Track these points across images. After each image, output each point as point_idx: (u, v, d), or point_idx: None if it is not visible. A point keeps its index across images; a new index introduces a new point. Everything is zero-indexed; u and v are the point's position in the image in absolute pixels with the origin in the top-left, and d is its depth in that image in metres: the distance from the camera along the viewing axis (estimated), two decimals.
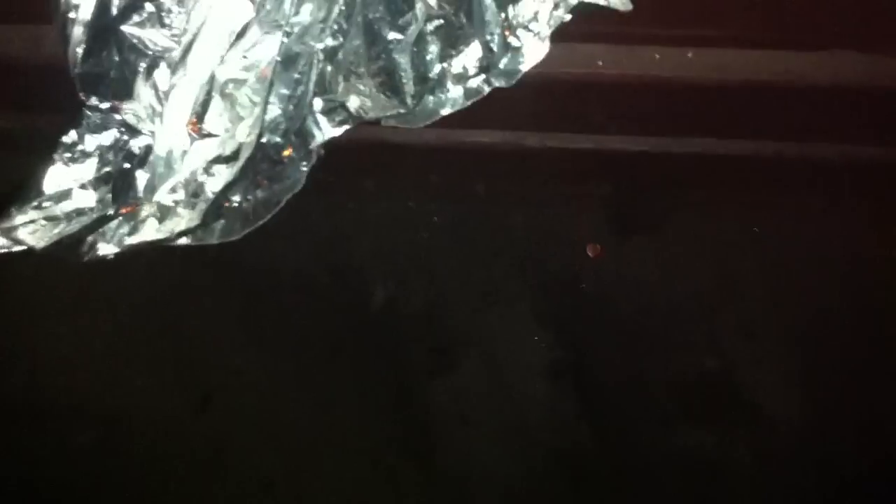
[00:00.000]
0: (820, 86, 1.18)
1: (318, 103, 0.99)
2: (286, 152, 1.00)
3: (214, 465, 1.32)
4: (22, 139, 1.23)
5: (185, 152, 1.01)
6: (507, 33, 0.99)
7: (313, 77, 0.96)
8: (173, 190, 1.03)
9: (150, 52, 0.98)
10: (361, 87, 0.98)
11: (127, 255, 1.07)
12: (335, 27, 0.95)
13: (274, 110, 0.96)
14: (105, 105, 0.98)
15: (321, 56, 0.96)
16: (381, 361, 1.38)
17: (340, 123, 1.00)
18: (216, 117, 1.01)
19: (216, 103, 1.00)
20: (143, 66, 0.98)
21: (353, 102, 0.98)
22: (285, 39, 0.95)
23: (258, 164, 0.98)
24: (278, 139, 0.98)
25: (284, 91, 0.96)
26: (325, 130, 1.00)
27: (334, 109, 0.99)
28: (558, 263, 1.43)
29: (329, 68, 0.97)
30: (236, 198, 1.01)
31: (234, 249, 1.11)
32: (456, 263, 1.42)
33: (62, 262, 1.06)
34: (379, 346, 1.38)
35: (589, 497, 1.34)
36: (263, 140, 0.97)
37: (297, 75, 0.96)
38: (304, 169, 1.00)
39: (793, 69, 1.17)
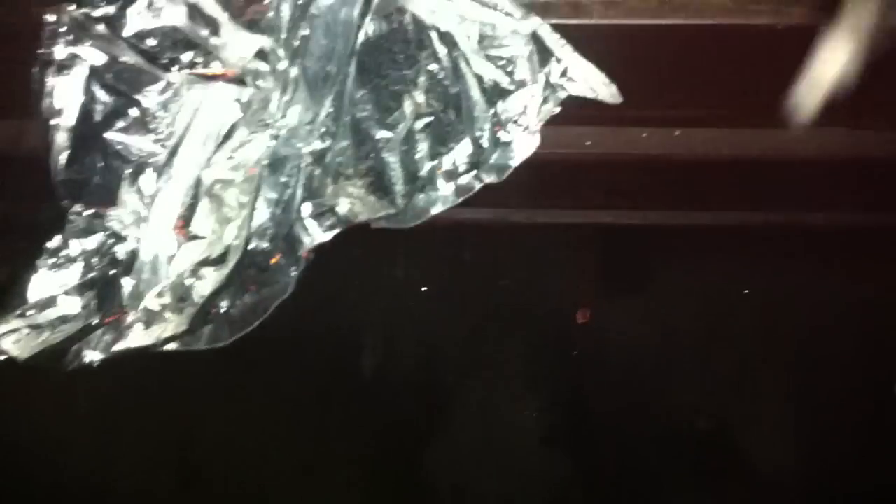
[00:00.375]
0: (806, 159, 1.18)
1: (306, 208, 0.97)
2: (273, 260, 0.98)
3: None
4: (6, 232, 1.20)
5: (171, 257, 0.99)
6: (496, 129, 0.98)
7: (301, 181, 0.94)
8: (160, 294, 1.01)
9: (135, 158, 0.96)
10: (350, 189, 0.96)
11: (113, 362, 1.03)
12: (323, 129, 0.94)
13: (261, 215, 0.95)
14: (89, 212, 0.96)
15: (309, 159, 0.94)
16: (370, 428, 1.37)
17: (330, 228, 0.98)
18: (203, 219, 0.99)
19: (203, 205, 0.99)
20: (127, 171, 0.96)
21: (343, 205, 0.96)
22: (273, 143, 0.93)
23: (245, 269, 0.96)
24: (266, 245, 0.97)
25: (272, 195, 0.94)
26: (315, 235, 0.98)
27: (323, 214, 0.97)
28: (548, 328, 1.44)
29: (317, 171, 0.95)
30: (224, 303, 0.99)
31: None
32: (445, 329, 1.42)
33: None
34: (368, 412, 1.37)
35: None
36: (251, 246, 0.95)
37: (284, 178, 0.94)
38: (293, 274, 0.98)
39: (779, 145, 1.17)
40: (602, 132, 1.15)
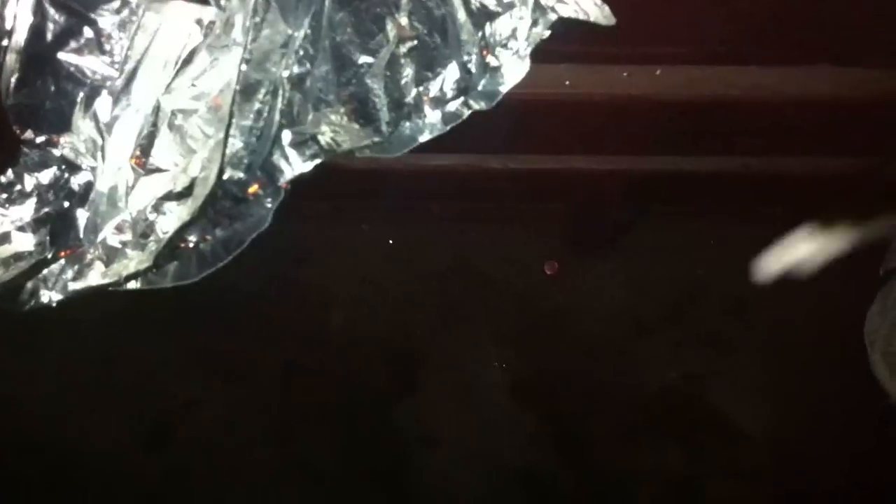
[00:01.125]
0: (788, 99, 1.14)
1: (286, 136, 0.90)
2: (252, 189, 0.91)
3: (172, 499, 1.27)
4: None
5: (129, 189, 0.92)
6: (484, 53, 0.91)
7: (278, 107, 0.87)
8: (120, 230, 0.94)
9: (89, 81, 0.88)
10: (332, 117, 0.89)
11: (74, 302, 0.97)
12: (301, 52, 0.87)
13: (235, 143, 0.87)
14: (41, 138, 0.88)
15: (287, 85, 0.87)
16: (340, 385, 1.35)
17: (312, 157, 0.91)
18: (164, 151, 0.92)
19: (164, 136, 0.91)
20: (81, 95, 0.88)
21: (325, 134, 0.90)
22: (244, 67, 0.85)
23: (219, 201, 0.89)
24: (241, 175, 0.90)
25: (245, 123, 0.87)
26: (295, 165, 0.91)
27: (304, 142, 0.90)
28: (516, 282, 1.41)
29: (297, 97, 0.88)
30: (193, 237, 0.92)
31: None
32: (412, 285, 1.38)
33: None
34: (337, 369, 1.35)
35: None
36: (225, 176, 0.88)
37: (258, 105, 0.87)
38: (270, 206, 0.91)
39: (761, 84, 1.12)
40: (581, 71, 1.08)
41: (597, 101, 1.13)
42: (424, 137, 0.93)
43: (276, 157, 0.90)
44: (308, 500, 1.29)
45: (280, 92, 0.86)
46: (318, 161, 0.90)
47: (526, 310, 1.38)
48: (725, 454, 1.32)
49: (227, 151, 0.87)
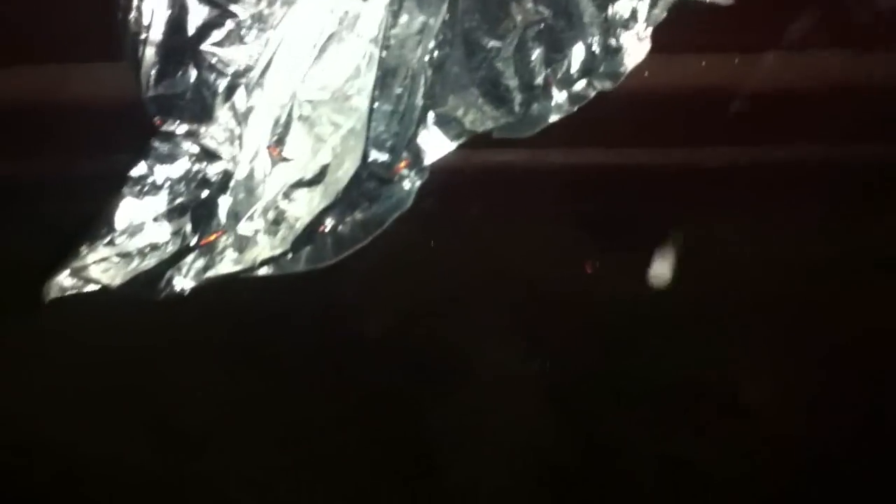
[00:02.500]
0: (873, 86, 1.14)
1: (431, 116, 0.93)
2: (401, 165, 0.94)
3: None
4: (83, 184, 1.14)
5: (266, 176, 0.94)
6: (607, 35, 0.94)
7: (420, 90, 0.90)
8: (250, 218, 0.96)
9: (230, 72, 0.90)
10: (470, 99, 0.92)
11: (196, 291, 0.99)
12: (440, 37, 0.90)
13: (377, 128, 0.90)
14: (182, 129, 0.91)
15: (429, 69, 0.90)
16: (366, 388, 1.33)
17: (456, 137, 0.94)
18: (295, 140, 0.95)
19: (295, 126, 0.94)
20: (223, 86, 0.91)
21: (465, 115, 0.92)
22: (384, 53, 0.88)
23: (363, 183, 0.92)
24: (386, 157, 0.92)
25: (387, 107, 0.90)
26: (441, 145, 0.94)
27: (448, 123, 0.93)
28: (547, 281, 1.37)
29: (438, 80, 0.91)
30: (330, 221, 0.95)
31: (211, 286, 1.05)
32: (441, 289, 1.37)
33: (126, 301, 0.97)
34: (364, 372, 1.33)
35: None
36: (369, 159, 0.91)
37: (398, 90, 0.90)
38: (415, 185, 0.94)
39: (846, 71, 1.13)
40: (660, 60, 1.09)
41: (673, 91, 1.13)
42: (554, 118, 0.96)
43: (422, 138, 0.93)
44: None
45: (422, 76, 0.89)
46: (462, 140, 0.93)
47: (557, 309, 1.36)
48: (749, 447, 1.32)
49: (371, 135, 0.90)
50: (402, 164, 0.93)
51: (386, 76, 0.89)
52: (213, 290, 1.17)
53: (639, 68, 1.04)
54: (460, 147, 1.02)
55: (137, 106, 0.96)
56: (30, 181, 1.21)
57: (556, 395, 1.37)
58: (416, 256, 1.37)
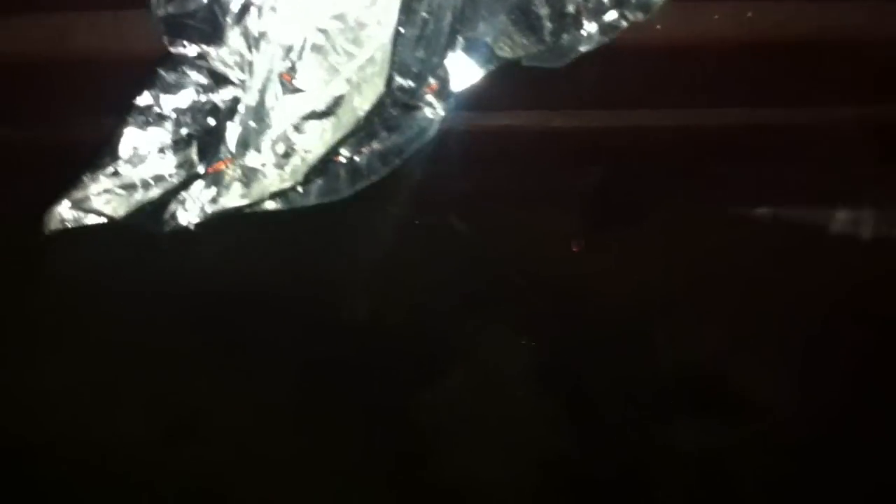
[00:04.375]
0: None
1: (460, 41, 0.89)
2: (429, 89, 0.89)
3: (195, 495, 1.26)
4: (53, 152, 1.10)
5: (276, 103, 0.90)
6: None
7: (448, 15, 0.86)
8: (258, 150, 0.92)
9: None
10: (500, 26, 0.88)
11: (205, 228, 0.95)
12: None
13: (402, 53, 0.86)
14: (192, 52, 0.86)
15: None
16: (361, 376, 1.32)
17: (485, 63, 0.90)
18: (307, 70, 0.91)
19: (307, 55, 0.90)
20: (235, 6, 0.87)
21: (494, 41, 0.89)
22: None
23: (387, 109, 0.88)
24: (411, 83, 0.88)
25: (412, 32, 0.86)
26: (469, 70, 0.90)
27: (478, 48, 0.89)
28: (539, 264, 1.36)
29: (468, 4, 0.87)
30: (345, 151, 0.91)
31: (202, 269, 1.07)
32: (434, 271, 1.36)
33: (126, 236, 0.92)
34: (358, 360, 1.32)
35: (584, 501, 1.30)
36: (394, 85, 0.87)
37: (424, 14, 0.86)
38: (439, 115, 0.90)
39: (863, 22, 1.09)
40: (672, 10, 1.05)
41: (685, 45, 1.08)
42: (584, 48, 0.92)
43: (450, 63, 0.89)
44: (329, 492, 1.27)
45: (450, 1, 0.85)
46: (490, 67, 0.90)
47: (550, 293, 1.35)
48: (746, 430, 1.30)
49: (396, 60, 0.86)
50: (429, 88, 0.89)
51: (411, 1, 0.85)
52: (215, 283, 1.15)
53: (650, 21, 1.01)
54: (461, 110, 0.98)
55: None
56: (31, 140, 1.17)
57: (553, 384, 1.35)
58: (410, 236, 1.35)
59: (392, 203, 1.32)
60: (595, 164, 1.35)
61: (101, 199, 0.92)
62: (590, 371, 1.33)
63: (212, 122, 0.92)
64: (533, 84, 0.99)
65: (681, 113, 1.23)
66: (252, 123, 0.91)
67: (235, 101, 0.91)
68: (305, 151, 0.95)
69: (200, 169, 0.89)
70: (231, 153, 0.90)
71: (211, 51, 0.89)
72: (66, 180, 0.93)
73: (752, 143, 1.28)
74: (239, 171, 0.95)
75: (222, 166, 0.90)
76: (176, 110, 0.92)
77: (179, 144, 0.93)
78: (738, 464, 1.30)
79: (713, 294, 1.35)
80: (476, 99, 0.98)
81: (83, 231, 0.94)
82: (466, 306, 1.35)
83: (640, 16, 0.90)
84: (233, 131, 0.90)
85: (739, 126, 1.25)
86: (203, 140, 0.91)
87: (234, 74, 0.90)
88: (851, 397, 1.30)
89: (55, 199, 0.94)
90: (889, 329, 1.24)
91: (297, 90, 0.92)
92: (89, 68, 1.05)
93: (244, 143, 0.91)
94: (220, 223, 0.98)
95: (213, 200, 0.96)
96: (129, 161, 0.92)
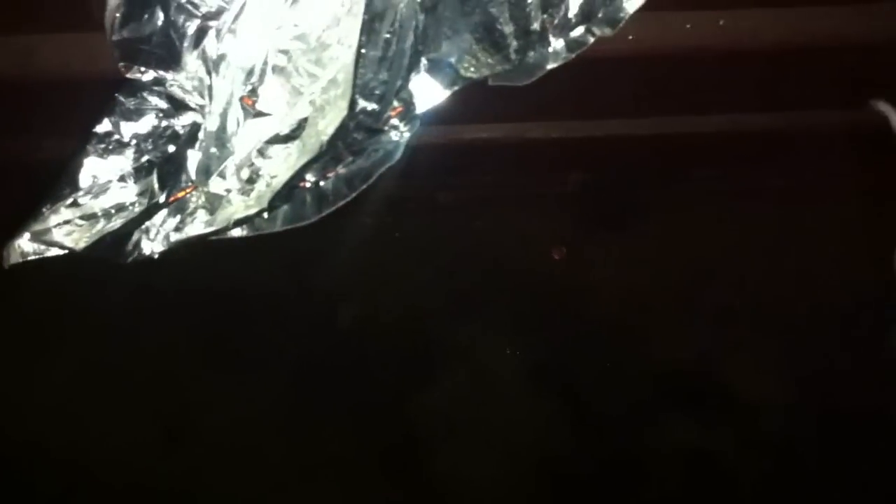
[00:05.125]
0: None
1: (423, 63, 0.86)
2: (393, 112, 0.87)
3: (187, 498, 1.25)
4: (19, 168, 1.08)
5: (239, 129, 0.88)
6: None
7: (410, 35, 0.83)
8: (223, 176, 0.90)
9: (201, 13, 0.83)
10: (464, 45, 0.86)
11: (168, 256, 0.93)
12: None
13: (365, 75, 0.83)
14: (148, 77, 0.84)
15: (420, 13, 0.84)
16: (354, 379, 1.33)
17: (450, 84, 0.88)
18: (270, 93, 0.89)
19: (269, 78, 0.87)
20: (191, 29, 0.84)
21: (458, 61, 0.86)
22: None
23: (350, 134, 0.85)
24: (375, 105, 0.86)
25: (374, 53, 0.83)
26: (434, 92, 0.88)
27: (441, 69, 0.87)
28: (528, 267, 1.38)
29: (431, 24, 0.85)
30: (311, 177, 0.88)
31: (197, 273, 1.07)
32: (423, 274, 1.37)
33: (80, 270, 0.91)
34: (353, 363, 1.33)
35: (578, 500, 1.30)
36: (357, 108, 0.84)
37: (386, 35, 0.83)
38: (404, 137, 0.88)
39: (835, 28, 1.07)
40: (645, 21, 1.04)
41: (659, 55, 1.06)
42: (551, 65, 0.90)
43: (414, 85, 0.87)
44: (325, 494, 1.27)
45: (413, 20, 0.83)
46: (455, 88, 0.87)
47: (539, 294, 1.36)
48: (735, 425, 1.31)
49: (358, 83, 0.84)
50: (393, 112, 0.87)
51: (373, 20, 0.83)
52: (209, 290, 1.14)
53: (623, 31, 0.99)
54: (439, 124, 0.96)
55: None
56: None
57: (544, 383, 1.35)
58: (399, 242, 1.34)
59: (380, 210, 1.31)
60: (576, 171, 1.34)
61: (62, 231, 0.89)
62: (580, 370, 1.33)
63: (172, 148, 0.89)
64: (510, 96, 0.97)
65: (656, 121, 1.21)
66: (213, 150, 0.89)
67: (196, 126, 0.89)
68: (271, 177, 0.93)
69: (162, 198, 0.86)
70: (192, 181, 0.87)
71: (168, 76, 0.86)
72: (31, 198, 0.90)
73: (728, 149, 1.26)
74: (203, 199, 0.93)
75: (183, 195, 0.88)
76: (136, 136, 0.89)
77: (140, 172, 0.90)
78: (728, 459, 1.30)
79: (698, 294, 1.35)
80: (458, 112, 0.96)
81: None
82: (457, 308, 1.35)
83: (607, 31, 0.88)
84: (193, 158, 0.88)
85: (716, 133, 1.23)
86: (163, 168, 0.88)
87: (193, 100, 0.88)
88: (841, 393, 1.30)
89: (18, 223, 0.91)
90: (877, 326, 1.23)
91: (260, 114, 0.90)
92: (55, 89, 1.03)
93: (205, 171, 0.88)
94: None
95: (178, 229, 0.93)
96: (89, 191, 0.89)
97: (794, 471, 1.30)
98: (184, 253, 0.93)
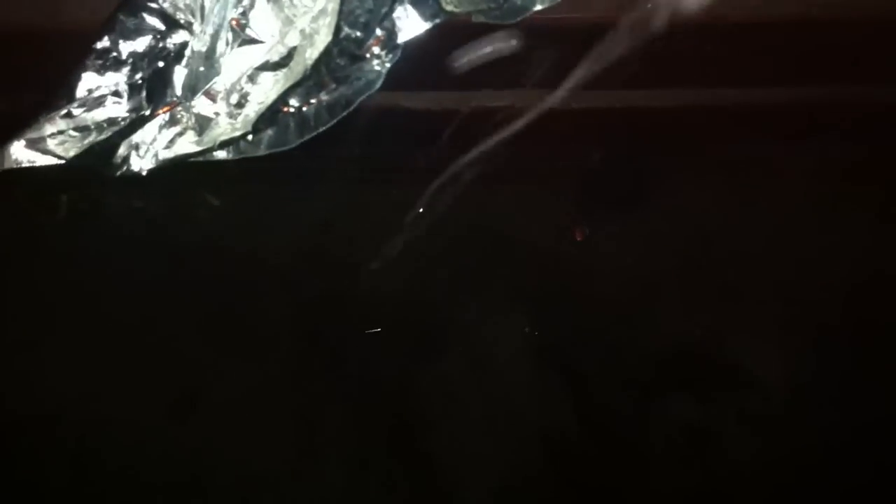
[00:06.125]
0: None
1: None
2: (372, 44, 0.89)
3: (197, 472, 1.22)
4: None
5: (227, 48, 0.91)
6: None
7: None
8: (213, 99, 0.93)
9: None
10: None
11: (157, 174, 0.96)
12: None
13: (351, 3, 0.86)
14: None
15: None
16: (362, 353, 1.31)
17: (431, 17, 0.89)
18: (261, 21, 0.91)
19: (261, 5, 0.90)
20: None
21: None
22: None
23: (334, 60, 0.88)
24: (359, 33, 0.88)
25: None
26: (415, 23, 0.89)
27: (424, 1, 0.88)
28: (536, 244, 1.34)
29: None
30: (295, 102, 0.90)
31: (209, 242, 1.07)
32: (434, 250, 1.36)
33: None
34: (359, 337, 1.31)
35: (580, 477, 1.26)
36: (341, 34, 0.86)
37: None
38: (385, 66, 0.89)
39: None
40: None
41: (675, 24, 1.05)
42: (538, 6, 0.90)
43: (397, 15, 0.88)
44: (330, 469, 1.26)
45: None
46: (437, 21, 0.88)
47: (546, 272, 1.33)
48: (742, 406, 1.26)
49: (344, 9, 0.86)
50: (375, 40, 0.89)
51: None
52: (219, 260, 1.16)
53: None
54: (449, 90, 0.99)
55: None
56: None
57: (547, 360, 1.33)
58: (403, 217, 1.34)
59: (394, 180, 1.33)
60: (590, 144, 1.34)
61: (55, 141, 0.93)
62: (583, 347, 1.31)
63: (162, 64, 0.93)
64: (532, 63, 0.97)
65: (672, 93, 1.20)
66: (201, 68, 0.92)
67: (185, 44, 0.92)
68: (259, 102, 0.95)
69: (147, 112, 0.90)
70: (178, 97, 0.90)
71: None
72: None
73: (745, 123, 1.24)
74: (193, 119, 0.96)
75: (167, 110, 0.91)
76: (133, 55, 0.93)
77: (135, 89, 0.94)
78: (730, 438, 1.25)
79: (704, 273, 1.33)
80: (476, 77, 0.97)
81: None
82: (463, 283, 1.35)
83: None
84: (180, 74, 0.91)
85: (731, 105, 1.22)
86: (152, 83, 0.91)
87: (184, 17, 0.91)
88: (842, 373, 1.26)
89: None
90: (878, 306, 1.19)
91: (252, 41, 0.92)
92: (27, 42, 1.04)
93: (192, 88, 0.91)
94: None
95: (167, 147, 0.96)
96: (83, 103, 0.93)
97: (797, 449, 1.25)
98: (171, 174, 0.96)
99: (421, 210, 1.33)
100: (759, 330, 1.32)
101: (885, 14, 1.05)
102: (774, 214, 1.30)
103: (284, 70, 0.94)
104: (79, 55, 0.94)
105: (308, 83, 0.91)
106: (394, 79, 0.96)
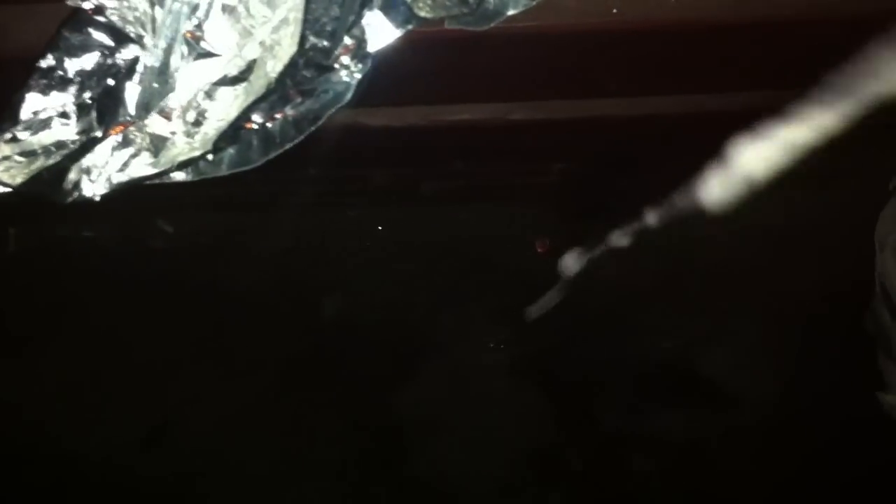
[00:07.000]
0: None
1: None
2: (341, 53, 0.83)
3: (175, 499, 1.24)
4: None
5: (182, 63, 0.85)
6: None
7: None
8: (167, 118, 0.87)
9: None
10: None
11: (111, 200, 0.90)
12: None
13: (316, 11, 0.80)
14: (88, 4, 0.81)
15: None
16: (337, 374, 1.31)
17: (403, 24, 0.84)
18: (218, 34, 0.85)
19: (217, 18, 0.85)
20: None
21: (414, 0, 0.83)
22: None
23: (299, 72, 0.82)
24: (325, 42, 0.82)
25: None
26: (386, 31, 0.84)
27: (395, 6, 0.83)
28: (510, 260, 1.37)
29: None
30: (258, 118, 0.85)
31: (178, 272, 1.07)
32: (405, 269, 1.34)
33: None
34: (333, 358, 1.31)
35: (561, 493, 1.28)
36: (307, 45, 0.81)
37: None
38: (355, 78, 0.84)
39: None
40: None
41: (644, 29, 1.02)
42: (511, 10, 0.86)
43: (367, 22, 0.83)
44: (310, 492, 1.24)
45: None
46: (408, 27, 0.83)
47: (521, 287, 1.33)
48: (719, 417, 1.30)
49: (309, 18, 0.80)
50: (344, 49, 0.83)
51: None
52: (190, 288, 1.12)
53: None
54: (420, 104, 0.94)
55: None
56: None
57: (530, 375, 1.33)
58: (382, 235, 1.31)
59: (363, 202, 1.29)
60: (559, 159, 1.31)
61: (0, 167, 0.87)
62: (565, 362, 1.31)
63: (112, 82, 0.87)
64: (492, 75, 0.93)
65: (641, 102, 1.17)
66: (155, 85, 0.86)
67: (136, 60, 0.86)
68: (217, 119, 0.90)
69: (99, 133, 0.83)
70: (131, 115, 0.84)
71: (109, 3, 0.83)
72: None
73: (717, 130, 1.22)
74: (147, 140, 0.90)
75: (121, 130, 0.85)
76: (80, 73, 0.87)
77: (83, 109, 0.88)
78: (712, 450, 1.29)
79: (683, 286, 1.32)
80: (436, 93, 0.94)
81: None
82: (439, 301, 1.33)
83: None
84: (133, 92, 0.85)
85: (703, 113, 1.19)
86: (102, 102, 0.85)
87: (134, 31, 0.85)
88: (825, 383, 1.28)
89: None
90: (860, 314, 1.17)
91: (208, 54, 0.87)
92: None
93: (145, 106, 0.85)
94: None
95: (120, 170, 0.90)
96: (29, 126, 0.86)
97: (779, 460, 1.23)
98: (126, 200, 0.90)
99: (395, 231, 1.30)
100: (732, 341, 1.30)
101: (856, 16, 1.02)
102: (748, 227, 1.28)
103: (244, 84, 0.88)
104: (22, 76, 0.88)
105: (272, 97, 0.85)
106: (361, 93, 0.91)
